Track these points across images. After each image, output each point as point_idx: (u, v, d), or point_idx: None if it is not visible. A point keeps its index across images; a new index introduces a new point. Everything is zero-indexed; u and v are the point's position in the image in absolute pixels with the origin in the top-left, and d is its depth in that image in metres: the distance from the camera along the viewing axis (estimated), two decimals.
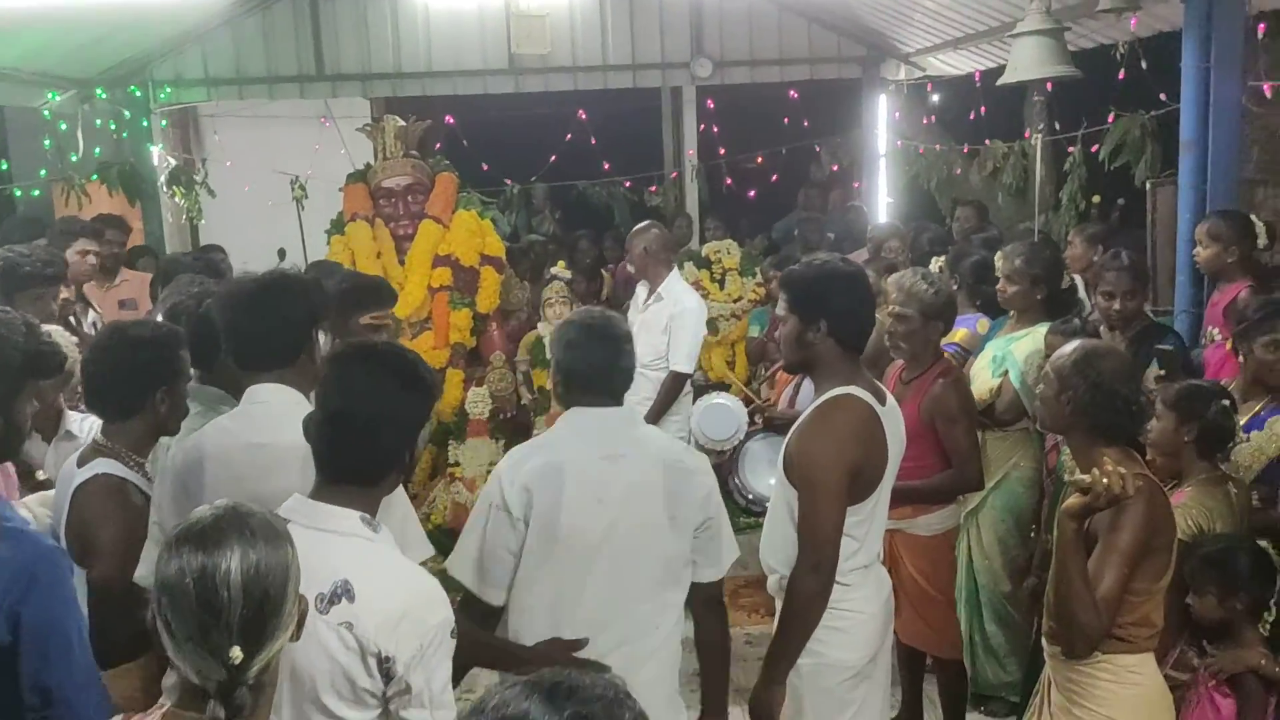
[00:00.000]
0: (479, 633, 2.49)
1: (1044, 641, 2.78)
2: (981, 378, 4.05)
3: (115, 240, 5.73)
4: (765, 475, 4.35)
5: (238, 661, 1.52)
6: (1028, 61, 5.14)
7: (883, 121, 9.05)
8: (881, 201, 9.04)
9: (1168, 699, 2.70)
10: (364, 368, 2.08)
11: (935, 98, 8.47)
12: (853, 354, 2.79)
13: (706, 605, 2.73)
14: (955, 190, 8.03)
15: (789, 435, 2.83)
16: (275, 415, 2.43)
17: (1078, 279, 5.21)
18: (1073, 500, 2.46)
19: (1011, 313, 4.23)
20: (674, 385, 5.15)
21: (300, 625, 1.65)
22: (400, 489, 2.56)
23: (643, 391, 5.27)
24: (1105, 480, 2.38)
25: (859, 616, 2.79)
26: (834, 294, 2.75)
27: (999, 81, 5.49)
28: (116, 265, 5.74)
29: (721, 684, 2.82)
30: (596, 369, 2.60)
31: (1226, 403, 3.14)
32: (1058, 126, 6.85)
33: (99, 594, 2.46)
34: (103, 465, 2.53)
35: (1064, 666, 2.68)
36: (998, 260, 4.27)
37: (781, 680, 2.76)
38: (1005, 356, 4.02)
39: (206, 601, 1.52)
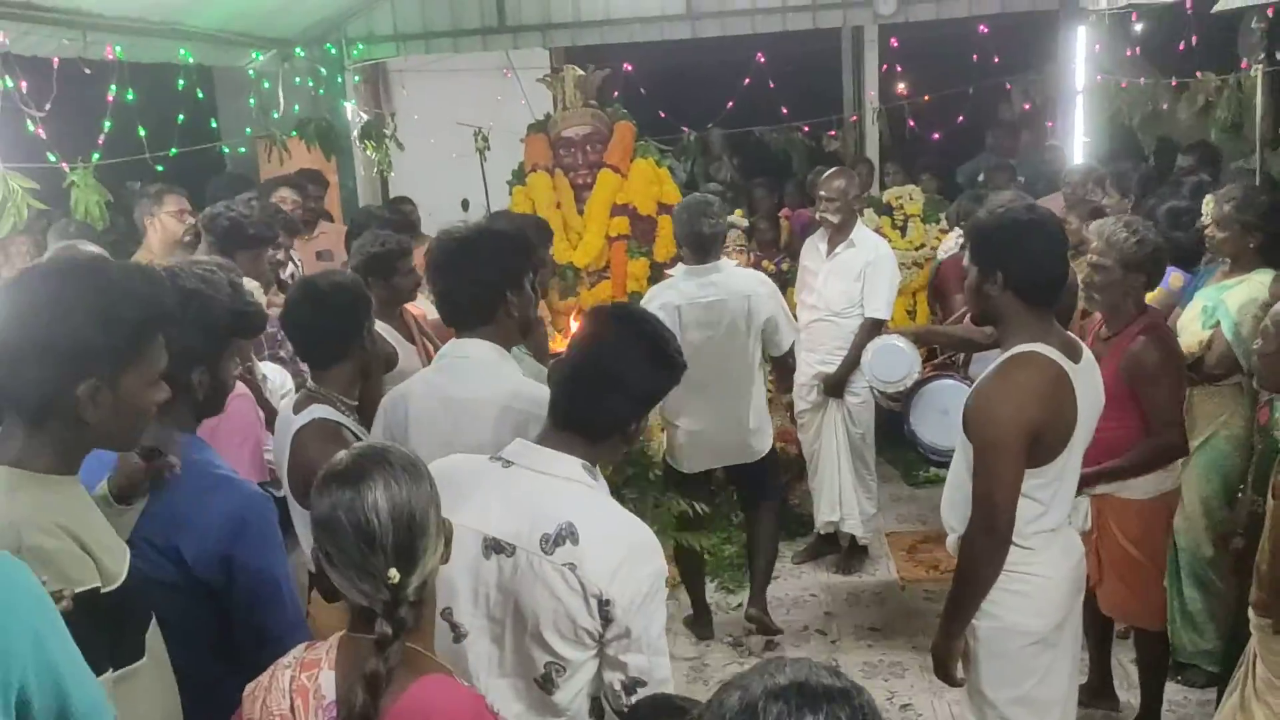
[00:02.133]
0: None
1: (1251, 613, 2.61)
2: (1190, 330, 3.79)
3: (315, 194, 6.01)
4: (936, 424, 4.21)
5: (395, 581, 1.61)
6: None
7: (1081, 55, 8.50)
8: (1078, 141, 8.54)
9: None
10: (624, 329, 2.13)
11: (1140, 27, 7.88)
12: (1039, 308, 2.64)
13: (777, 361, 4.70)
14: (1161, 127, 7.50)
15: (970, 391, 2.72)
16: (474, 370, 2.54)
17: None
18: None
19: (1223, 260, 3.94)
20: (872, 332, 5.02)
21: (448, 546, 1.74)
22: None
23: (834, 340, 5.19)
24: None
25: (1042, 581, 2.66)
26: (1013, 244, 2.61)
27: (1214, 9, 5.06)
28: (316, 218, 6.01)
29: (787, 375, 5.06)
30: (695, 236, 4.38)
31: None
32: (1279, 56, 6.27)
33: None
34: (318, 410, 2.66)
35: (1273, 640, 2.51)
36: (1207, 205, 3.97)
37: (957, 636, 2.69)
38: (1217, 307, 3.74)
39: (360, 530, 1.62)
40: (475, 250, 2.65)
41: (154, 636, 1.86)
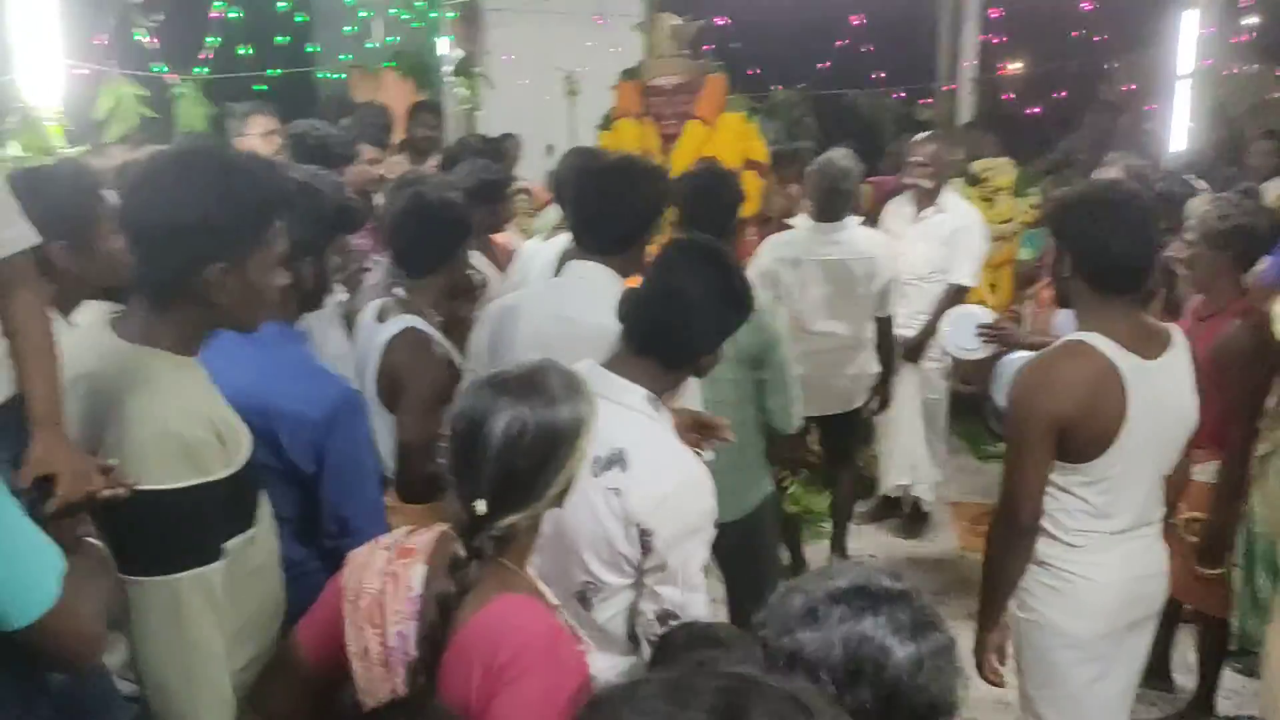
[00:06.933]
0: None
1: None
2: None
3: (430, 124, 6.05)
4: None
5: (481, 513, 1.57)
6: None
7: (1188, 39, 8.26)
8: (1180, 127, 8.31)
9: None
10: (717, 265, 2.15)
11: (1254, 15, 7.66)
12: (1110, 295, 2.38)
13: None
14: (1266, 120, 7.28)
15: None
16: (590, 293, 2.54)
17: None
18: None
19: None
20: (955, 298, 4.96)
21: (564, 495, 1.68)
22: None
23: (915, 304, 5.13)
24: None
25: (1085, 584, 2.45)
26: (1083, 224, 2.37)
27: None
28: (430, 149, 6.02)
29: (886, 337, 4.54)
30: (829, 193, 4.30)
31: None
32: None
33: (405, 439, 2.65)
34: (410, 320, 2.72)
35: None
36: None
37: (986, 627, 2.53)
38: None
39: (468, 448, 1.59)
40: (627, 178, 2.67)
41: (264, 506, 1.92)
